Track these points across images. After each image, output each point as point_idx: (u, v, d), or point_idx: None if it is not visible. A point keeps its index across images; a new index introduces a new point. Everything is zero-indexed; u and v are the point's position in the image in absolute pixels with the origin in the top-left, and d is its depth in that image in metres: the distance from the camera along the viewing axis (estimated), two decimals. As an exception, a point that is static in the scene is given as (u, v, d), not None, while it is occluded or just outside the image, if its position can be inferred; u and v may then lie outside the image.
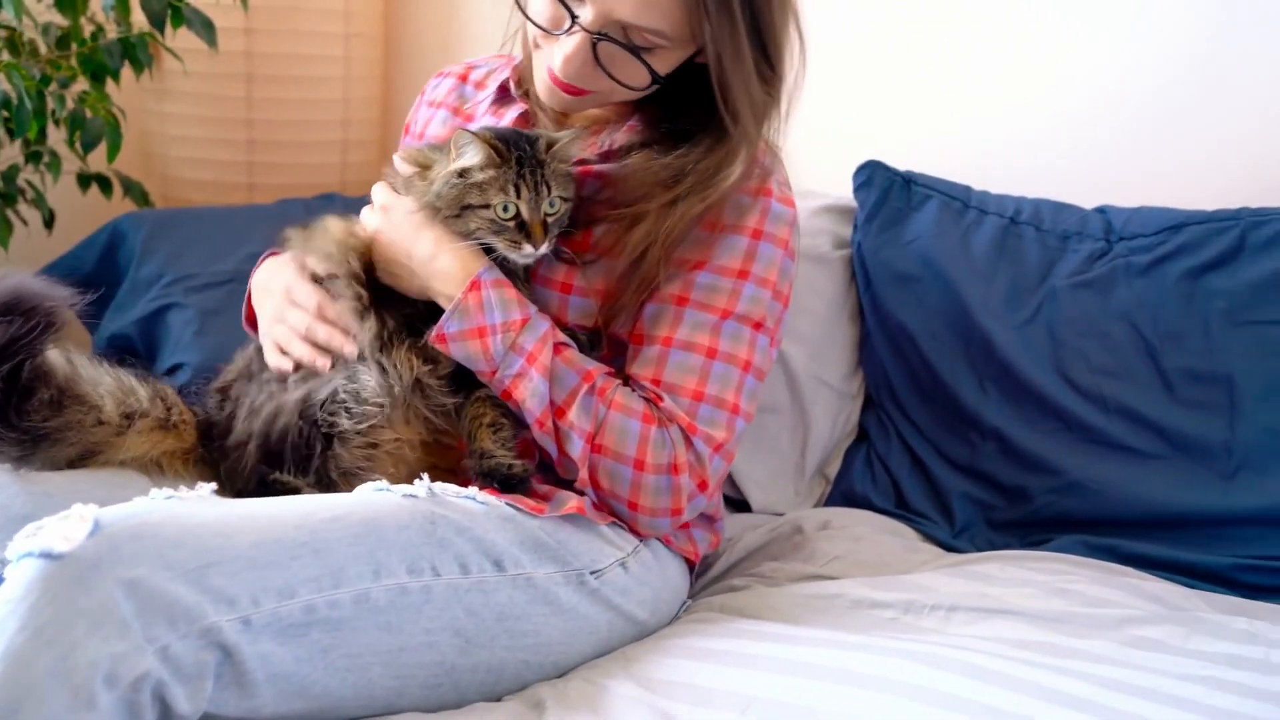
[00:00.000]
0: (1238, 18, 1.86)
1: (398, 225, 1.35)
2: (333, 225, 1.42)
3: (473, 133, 1.30)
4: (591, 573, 1.30)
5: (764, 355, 1.38)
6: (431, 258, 1.32)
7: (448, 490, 1.25)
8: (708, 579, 1.57)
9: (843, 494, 1.81)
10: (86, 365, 1.36)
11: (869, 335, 1.88)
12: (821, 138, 1.88)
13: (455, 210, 1.32)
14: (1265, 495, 1.54)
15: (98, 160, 2.32)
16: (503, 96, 1.54)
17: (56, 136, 2.29)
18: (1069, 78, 2.01)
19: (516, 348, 1.29)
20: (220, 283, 2.20)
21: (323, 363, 1.35)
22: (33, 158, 2.28)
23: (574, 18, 1.30)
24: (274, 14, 2.46)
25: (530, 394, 1.29)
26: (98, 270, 2.29)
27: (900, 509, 1.75)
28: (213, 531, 1.08)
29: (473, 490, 1.27)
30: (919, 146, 2.05)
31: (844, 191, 1.99)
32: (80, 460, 1.33)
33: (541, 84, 1.39)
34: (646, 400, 1.33)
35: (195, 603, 1.02)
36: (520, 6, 1.38)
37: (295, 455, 1.33)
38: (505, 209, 1.30)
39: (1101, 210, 1.84)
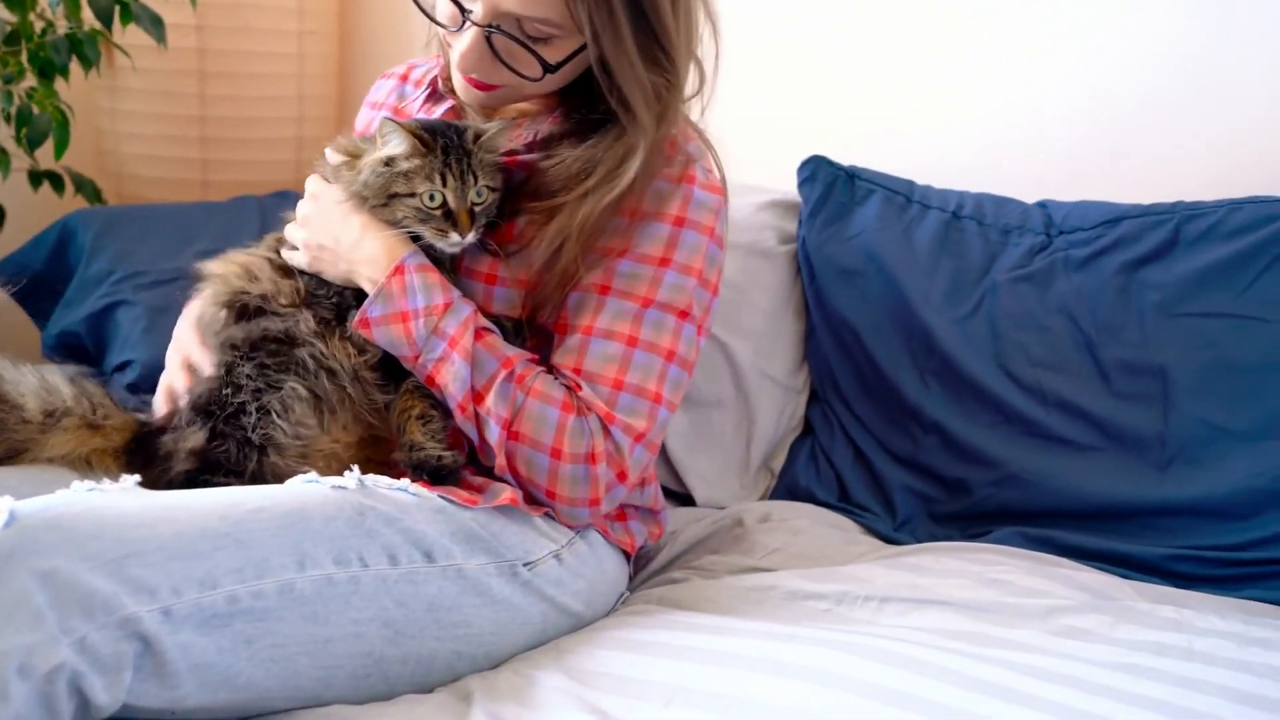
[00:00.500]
0: (1170, 12, 1.87)
1: (325, 212, 1.36)
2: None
3: (397, 122, 1.30)
4: (525, 564, 1.30)
5: (689, 344, 1.37)
6: (356, 243, 1.33)
7: (379, 482, 1.25)
8: (649, 571, 1.57)
9: (786, 487, 1.81)
10: (8, 367, 1.36)
11: (814, 330, 1.88)
12: (766, 133, 1.90)
13: (382, 199, 1.32)
14: (1197, 486, 1.55)
15: (48, 157, 2.30)
16: (434, 94, 1.55)
17: (5, 133, 2.28)
18: (1011, 73, 2.02)
19: (439, 332, 1.29)
20: (170, 279, 2.18)
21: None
22: (-21, 154, 2.27)
23: (465, 13, 1.31)
24: (226, 11, 2.45)
25: (452, 378, 1.29)
26: (48, 268, 2.27)
27: (843, 502, 1.76)
28: (134, 523, 1.07)
29: (404, 482, 1.27)
30: (863, 142, 2.06)
31: (789, 186, 1.99)
32: (6, 459, 1.32)
33: (456, 82, 1.41)
34: (567, 389, 1.33)
35: (113, 593, 1.02)
36: (422, 8, 1.39)
37: (229, 463, 1.33)
38: (431, 197, 1.30)
39: (1042, 205, 1.85)
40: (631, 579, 1.55)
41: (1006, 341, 1.74)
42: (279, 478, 1.29)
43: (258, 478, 1.31)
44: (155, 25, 2.17)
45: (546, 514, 1.35)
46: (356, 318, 1.31)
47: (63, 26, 2.26)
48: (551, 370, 1.36)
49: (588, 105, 1.39)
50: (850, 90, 2.16)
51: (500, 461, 1.31)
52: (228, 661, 1.08)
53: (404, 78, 1.65)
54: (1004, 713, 1.06)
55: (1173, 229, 1.68)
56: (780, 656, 1.17)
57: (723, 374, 1.83)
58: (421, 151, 1.30)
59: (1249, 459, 1.54)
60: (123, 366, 2.08)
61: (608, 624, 1.35)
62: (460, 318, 1.31)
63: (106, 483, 1.15)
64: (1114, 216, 1.74)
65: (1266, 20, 1.79)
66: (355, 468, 1.25)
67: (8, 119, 2.19)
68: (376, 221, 1.33)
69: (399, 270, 1.30)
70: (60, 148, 2.19)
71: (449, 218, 1.31)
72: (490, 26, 1.30)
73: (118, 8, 2.15)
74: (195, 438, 1.32)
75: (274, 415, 1.31)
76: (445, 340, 1.30)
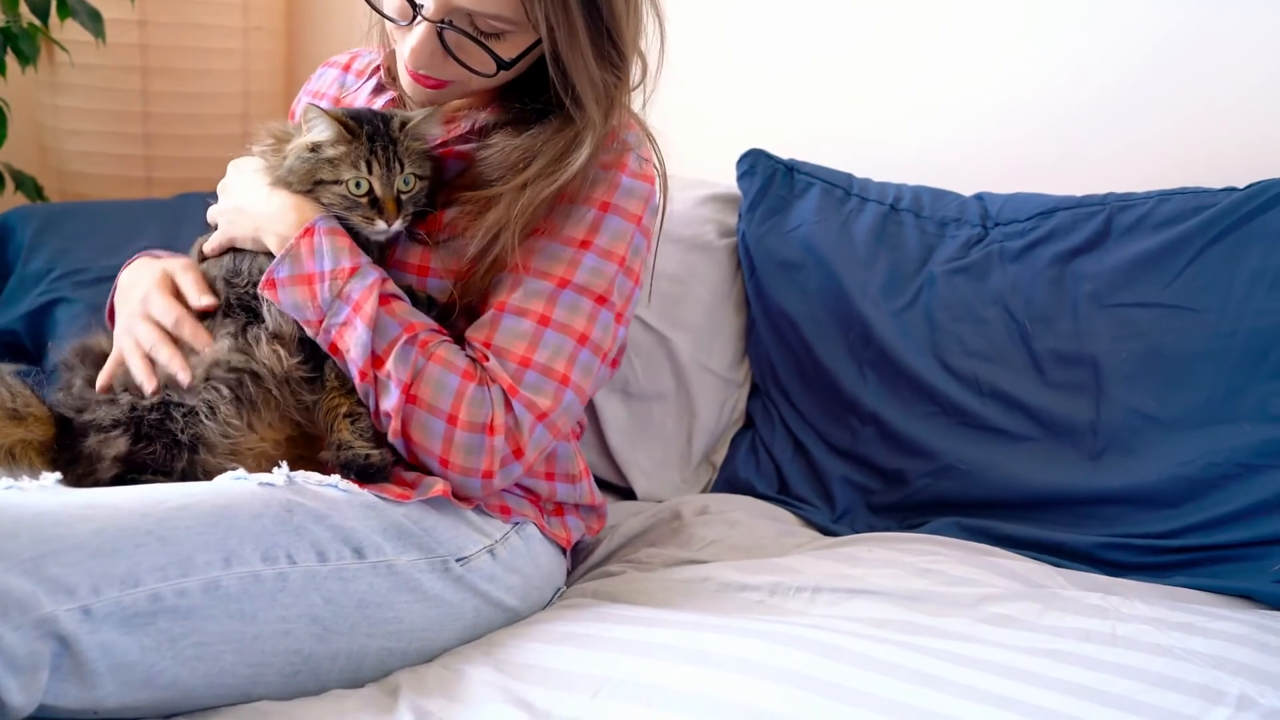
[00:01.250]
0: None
1: (242, 177, 1.38)
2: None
3: (321, 109, 1.30)
4: (457, 559, 1.30)
5: (605, 330, 1.36)
6: (266, 200, 1.33)
7: (308, 479, 1.24)
8: (587, 566, 1.57)
9: (727, 480, 1.81)
10: None
11: (754, 323, 1.89)
12: (706, 127, 1.90)
13: (308, 185, 1.32)
14: (1128, 475, 1.57)
15: (-9, 155, 2.29)
16: (379, 87, 1.53)
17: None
18: (947, 64, 2.04)
19: (343, 296, 1.28)
20: (111, 276, 2.16)
21: (150, 385, 1.32)
22: (-84, 151, 2.24)
23: (417, 8, 1.29)
24: (168, 6, 2.44)
25: (354, 343, 1.28)
26: (-15, 265, 2.25)
27: (782, 494, 1.76)
28: (52, 520, 1.06)
29: (335, 478, 1.26)
30: (803, 136, 2.06)
31: (730, 180, 1.99)
32: None
33: (404, 80, 1.39)
34: (471, 359, 1.32)
35: (29, 593, 1.00)
36: (371, 4, 1.39)
37: (157, 463, 1.31)
38: (357, 184, 1.30)
39: (979, 197, 1.86)
40: (570, 573, 1.55)
41: (943, 333, 1.75)
42: (209, 475, 1.28)
43: (187, 476, 1.30)
44: (93, 20, 2.15)
45: (478, 507, 1.35)
46: (264, 279, 1.30)
47: (-1, 20, 2.24)
48: (462, 343, 1.35)
49: (528, 96, 1.39)
50: (790, 85, 2.17)
51: (395, 426, 1.29)
52: (151, 660, 1.08)
53: (346, 67, 1.63)
54: (930, 700, 1.07)
55: (1104, 220, 1.70)
56: (708, 647, 1.17)
57: (663, 367, 1.84)
58: (347, 139, 1.30)
59: (1178, 447, 1.55)
60: (62, 365, 2.07)
61: (540, 617, 1.35)
62: (366, 282, 1.29)
63: (26, 480, 1.14)
64: (1048, 208, 1.75)
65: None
66: (284, 464, 1.24)
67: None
68: (275, 191, 1.34)
69: (308, 232, 1.29)
70: (-3, 141, 2.17)
71: (375, 205, 1.30)
72: (443, 22, 1.29)
73: (54, 2, 2.13)
74: (118, 444, 1.30)
75: (201, 416, 1.30)
76: (349, 305, 1.28)
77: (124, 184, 2.56)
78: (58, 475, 1.17)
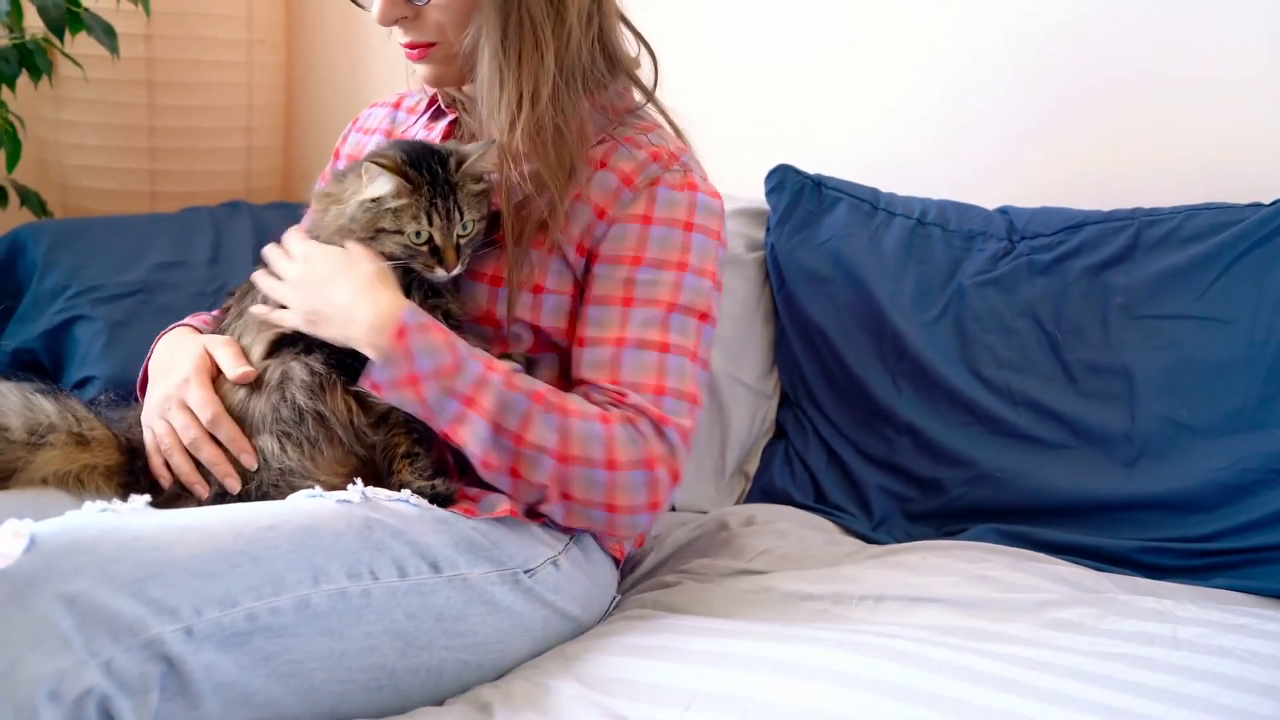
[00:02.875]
0: (1127, 30, 1.95)
1: (314, 274, 1.35)
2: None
3: (381, 164, 1.31)
4: (525, 571, 1.32)
5: (707, 345, 1.42)
6: (350, 308, 1.31)
7: (380, 494, 1.26)
8: (636, 576, 1.60)
9: (762, 490, 1.85)
10: None
11: (783, 335, 1.92)
12: (731, 143, 1.93)
13: (370, 233, 1.33)
14: (1164, 481, 1.61)
15: (-2, 170, 2.26)
16: (434, 112, 1.57)
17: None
18: (969, 84, 2.09)
19: (451, 393, 1.28)
20: (128, 294, 2.17)
21: (201, 490, 1.33)
22: (-78, 167, 2.22)
23: None
24: (175, 20, 2.44)
25: (471, 436, 1.29)
26: (-4, 282, 2.24)
27: (819, 503, 1.80)
28: (150, 544, 1.07)
29: (405, 493, 1.28)
30: (825, 150, 2.11)
31: (754, 194, 2.03)
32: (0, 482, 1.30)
33: (419, 72, 1.45)
34: (605, 402, 1.35)
35: (137, 615, 1.02)
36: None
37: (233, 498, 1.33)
38: (418, 234, 1.32)
39: (1004, 211, 1.91)
40: (618, 583, 1.57)
41: (974, 344, 1.79)
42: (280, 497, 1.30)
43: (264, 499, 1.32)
44: (108, 35, 2.15)
45: (543, 522, 1.37)
46: (366, 380, 1.30)
47: (3, 37, 2.22)
48: (580, 386, 1.38)
49: None
50: (812, 101, 2.21)
51: (553, 494, 1.31)
52: (248, 679, 1.09)
53: (396, 105, 1.67)
54: (1017, 705, 1.10)
55: (1133, 234, 1.75)
56: (788, 658, 1.20)
57: (696, 380, 1.86)
58: (408, 190, 1.31)
59: (1212, 454, 1.60)
60: (83, 383, 2.06)
61: (608, 629, 1.37)
62: (472, 376, 1.29)
63: (117, 503, 1.15)
64: (1075, 222, 1.80)
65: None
66: (358, 480, 1.26)
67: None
68: (367, 280, 1.32)
69: (401, 334, 1.28)
70: (12, 161, 2.15)
71: (435, 253, 1.33)
72: None
73: (68, 17, 2.12)
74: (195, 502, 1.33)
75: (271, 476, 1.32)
76: (459, 400, 1.29)
77: (128, 198, 2.55)
78: (146, 498, 1.17)
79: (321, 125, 2.84)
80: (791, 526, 1.65)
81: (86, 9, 2.15)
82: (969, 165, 2.06)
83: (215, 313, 1.55)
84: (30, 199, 2.34)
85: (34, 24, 2.23)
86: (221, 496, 1.33)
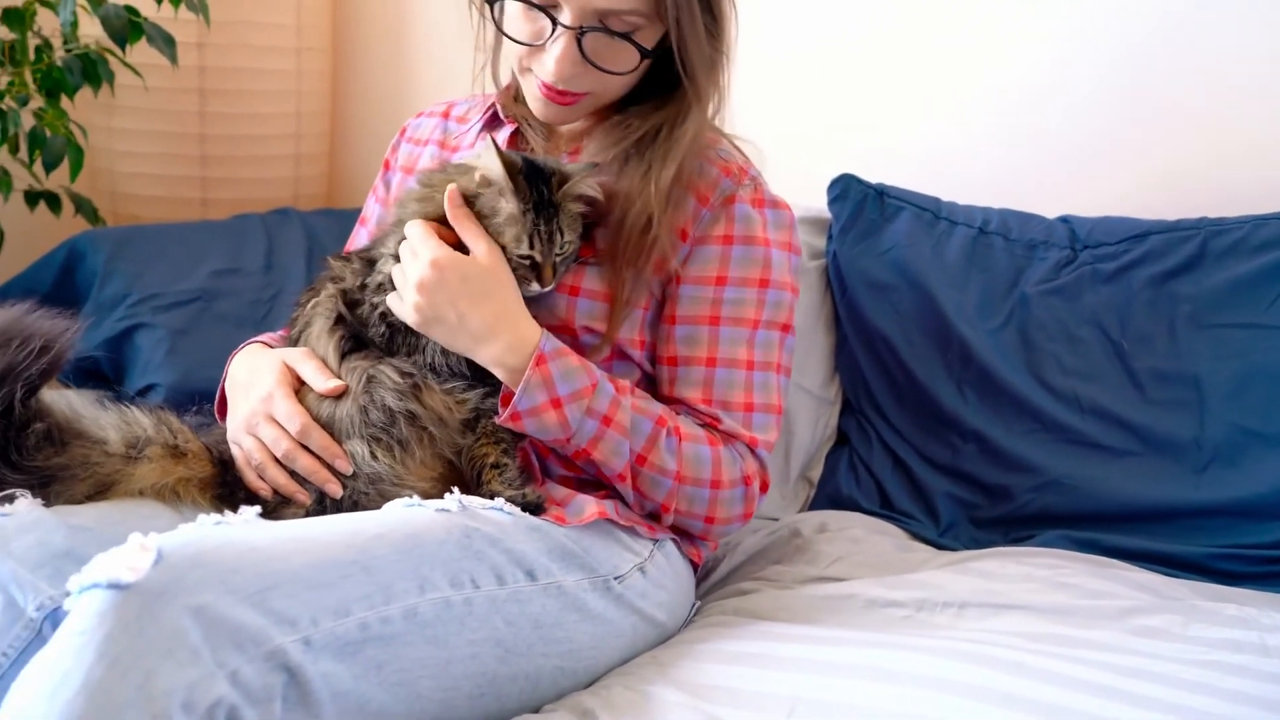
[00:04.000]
0: (1195, 43, 1.96)
1: (448, 286, 1.33)
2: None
3: (503, 159, 1.34)
4: (615, 578, 1.34)
5: (789, 354, 1.49)
6: (485, 333, 1.34)
7: (475, 503, 1.28)
8: (712, 582, 1.62)
9: (829, 497, 1.87)
10: (85, 404, 1.36)
11: (845, 342, 1.94)
12: (793, 151, 1.95)
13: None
14: (1235, 487, 1.64)
15: (50, 177, 2.27)
16: (492, 121, 1.58)
17: (4, 153, 2.24)
18: (1031, 93, 2.11)
19: (591, 413, 1.34)
20: (187, 301, 2.20)
21: (303, 498, 1.35)
22: (-21, 175, 2.23)
23: (555, 22, 1.36)
24: (228, 28, 2.46)
25: (612, 453, 1.36)
26: (55, 290, 2.26)
27: (886, 509, 1.82)
28: (267, 555, 1.09)
29: (499, 501, 1.30)
30: (885, 158, 2.13)
31: (814, 202, 2.05)
32: (98, 494, 1.32)
33: (535, 102, 1.45)
34: (704, 425, 1.42)
35: (260, 626, 1.03)
36: (502, 31, 1.44)
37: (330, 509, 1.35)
38: (520, 253, 1.36)
39: (1065, 220, 1.93)
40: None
41: (1039, 352, 1.82)
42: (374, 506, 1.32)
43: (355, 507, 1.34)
44: (168, 45, 2.17)
45: (630, 528, 1.40)
46: (505, 414, 1.33)
47: (58, 45, 2.24)
48: (673, 403, 1.43)
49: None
50: (871, 109, 2.24)
51: (667, 507, 1.40)
52: (361, 688, 1.10)
53: (445, 115, 1.68)
54: (1119, 712, 1.12)
55: (1199, 243, 1.77)
56: (884, 664, 1.22)
57: (760, 388, 1.88)
58: (514, 198, 1.34)
59: (1284, 461, 1.62)
60: (145, 390, 2.09)
61: (695, 636, 1.39)
62: (609, 395, 1.36)
63: (229, 515, 1.17)
64: (1140, 232, 1.83)
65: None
66: (455, 489, 1.28)
67: (6, 139, 2.15)
68: (505, 309, 1.35)
69: (540, 361, 1.32)
70: (75, 170, 2.17)
71: (534, 269, 1.36)
72: (581, 29, 1.35)
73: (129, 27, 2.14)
74: (297, 513, 1.35)
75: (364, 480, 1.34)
76: (599, 419, 1.34)
77: (179, 205, 2.57)
78: (257, 509, 1.19)
79: (365, 131, 2.87)
80: (864, 533, 1.67)
81: (146, 19, 2.16)
82: (1028, 175, 2.09)
83: (283, 331, 1.56)
84: (84, 206, 2.36)
85: (86, 33, 2.25)
86: (320, 503, 1.35)
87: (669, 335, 1.45)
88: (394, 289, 1.38)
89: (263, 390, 1.40)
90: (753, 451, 1.43)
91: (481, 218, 1.37)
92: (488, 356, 1.35)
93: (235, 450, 1.40)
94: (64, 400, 1.35)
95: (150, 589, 1.00)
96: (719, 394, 1.43)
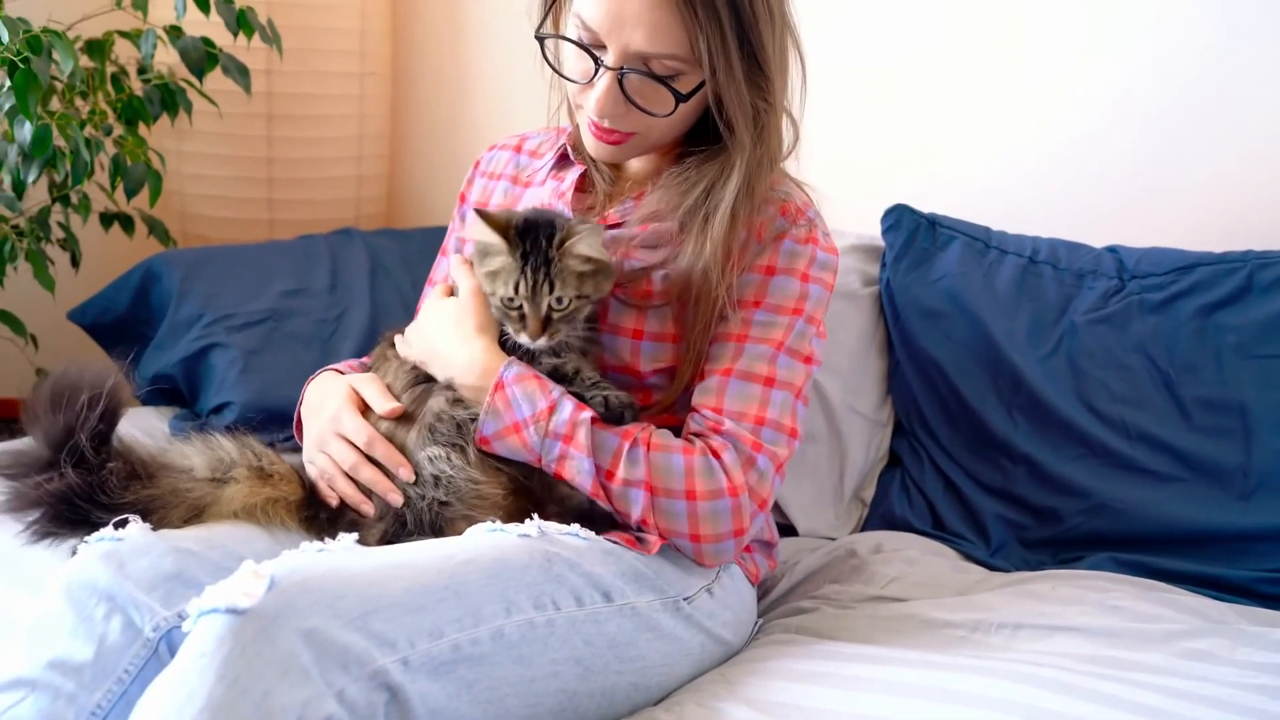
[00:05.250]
0: (1245, 75, 2.00)
1: (424, 326, 1.51)
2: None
3: (486, 216, 1.41)
4: (684, 598, 1.40)
5: (810, 385, 1.50)
6: (456, 350, 1.44)
7: (552, 528, 1.34)
8: (770, 600, 1.68)
9: (882, 517, 1.92)
10: (169, 436, 1.45)
11: (898, 367, 2.00)
12: (847, 179, 2.02)
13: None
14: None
15: (122, 198, 2.36)
16: (562, 161, 1.63)
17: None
18: (1081, 125, 2.16)
19: (551, 434, 1.38)
20: (258, 321, 2.26)
21: (367, 508, 1.42)
22: (62, 200, 2.32)
23: (598, 62, 1.41)
24: (295, 56, 2.53)
25: (576, 471, 1.38)
26: (131, 311, 2.33)
27: (937, 530, 1.87)
28: (368, 580, 1.16)
29: (575, 526, 1.37)
30: (935, 188, 2.19)
31: (865, 230, 2.11)
32: (193, 518, 1.40)
33: (588, 141, 1.51)
34: (691, 435, 1.43)
35: (364, 648, 1.10)
36: (556, 70, 1.49)
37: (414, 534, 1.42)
38: (509, 300, 1.41)
39: (1113, 250, 1.98)
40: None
41: (1088, 379, 1.87)
42: (455, 526, 1.39)
43: (436, 530, 1.41)
44: (242, 75, 2.24)
45: (693, 552, 1.46)
46: (476, 437, 1.40)
47: (133, 73, 2.33)
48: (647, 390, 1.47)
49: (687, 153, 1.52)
50: (923, 140, 2.30)
51: (650, 524, 1.39)
52: (454, 706, 1.17)
53: (518, 149, 1.72)
54: (1174, 733, 1.18)
55: (1246, 275, 1.82)
56: (945, 685, 1.28)
57: (815, 410, 1.95)
58: (505, 250, 1.40)
59: (1331, 489, 1.67)
60: (220, 408, 2.15)
61: (759, 654, 1.45)
62: (565, 414, 1.38)
63: (330, 542, 1.24)
64: (1187, 263, 1.88)
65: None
66: (535, 516, 1.35)
67: (79, 165, 2.22)
68: (473, 337, 1.44)
69: (499, 387, 1.39)
70: (154, 196, 2.25)
71: (523, 319, 1.40)
72: (622, 69, 1.40)
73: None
74: (377, 531, 1.42)
75: (442, 491, 1.41)
76: (559, 439, 1.38)
77: (246, 226, 2.65)
78: (354, 535, 1.26)
79: (422, 152, 2.95)
80: (918, 554, 1.73)
81: (221, 50, 2.25)
82: (1077, 205, 2.14)
83: (365, 359, 1.65)
84: (157, 228, 2.44)
85: (159, 61, 2.34)
86: (401, 521, 1.41)
87: (706, 354, 1.47)
88: None
89: (331, 410, 1.48)
90: (752, 459, 1.40)
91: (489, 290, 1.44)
92: (469, 393, 1.42)
93: (310, 468, 1.48)
94: (145, 436, 1.42)
95: (265, 614, 1.06)
96: (731, 404, 1.42)
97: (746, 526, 1.41)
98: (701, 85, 1.42)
